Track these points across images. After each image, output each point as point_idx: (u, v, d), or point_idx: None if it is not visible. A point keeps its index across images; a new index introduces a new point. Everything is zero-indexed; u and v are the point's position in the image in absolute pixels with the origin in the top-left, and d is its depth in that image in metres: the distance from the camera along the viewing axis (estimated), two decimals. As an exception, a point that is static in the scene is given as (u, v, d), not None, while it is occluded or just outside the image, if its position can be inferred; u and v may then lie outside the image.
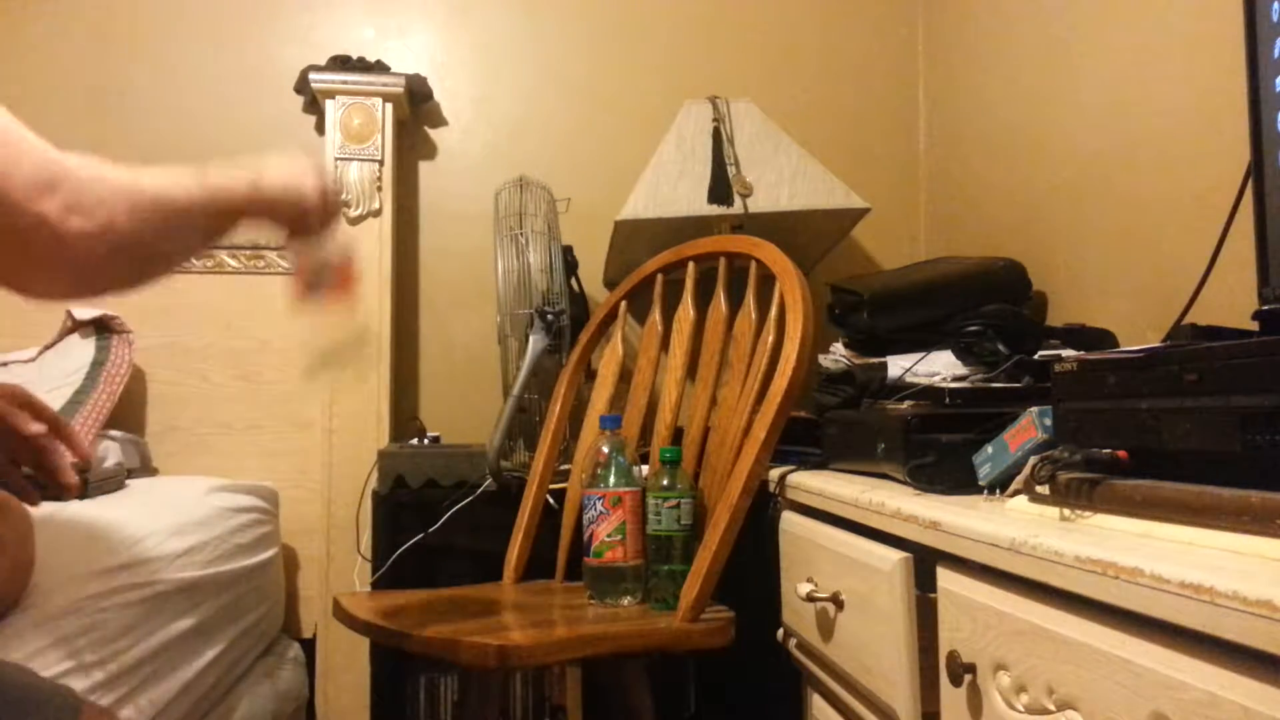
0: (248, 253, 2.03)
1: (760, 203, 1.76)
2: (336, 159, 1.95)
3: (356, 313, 1.10)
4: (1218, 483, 0.68)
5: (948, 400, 1.16)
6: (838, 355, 1.58)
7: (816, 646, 1.22)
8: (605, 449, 1.35)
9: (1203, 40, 1.30)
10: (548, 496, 1.56)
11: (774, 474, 1.45)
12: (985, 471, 1.00)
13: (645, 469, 1.38)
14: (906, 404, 1.21)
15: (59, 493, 0.99)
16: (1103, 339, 1.34)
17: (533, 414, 1.71)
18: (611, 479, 1.33)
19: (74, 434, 1.00)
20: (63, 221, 0.72)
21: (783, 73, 2.22)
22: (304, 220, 1.00)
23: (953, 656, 0.82)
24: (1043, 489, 0.85)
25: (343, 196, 1.04)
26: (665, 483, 1.30)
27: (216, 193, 0.90)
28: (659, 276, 1.56)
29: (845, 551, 1.11)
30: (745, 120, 1.84)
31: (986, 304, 1.37)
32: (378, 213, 1.96)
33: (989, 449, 1.00)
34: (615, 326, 1.60)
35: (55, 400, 1.69)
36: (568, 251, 1.85)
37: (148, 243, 0.80)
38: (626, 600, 1.30)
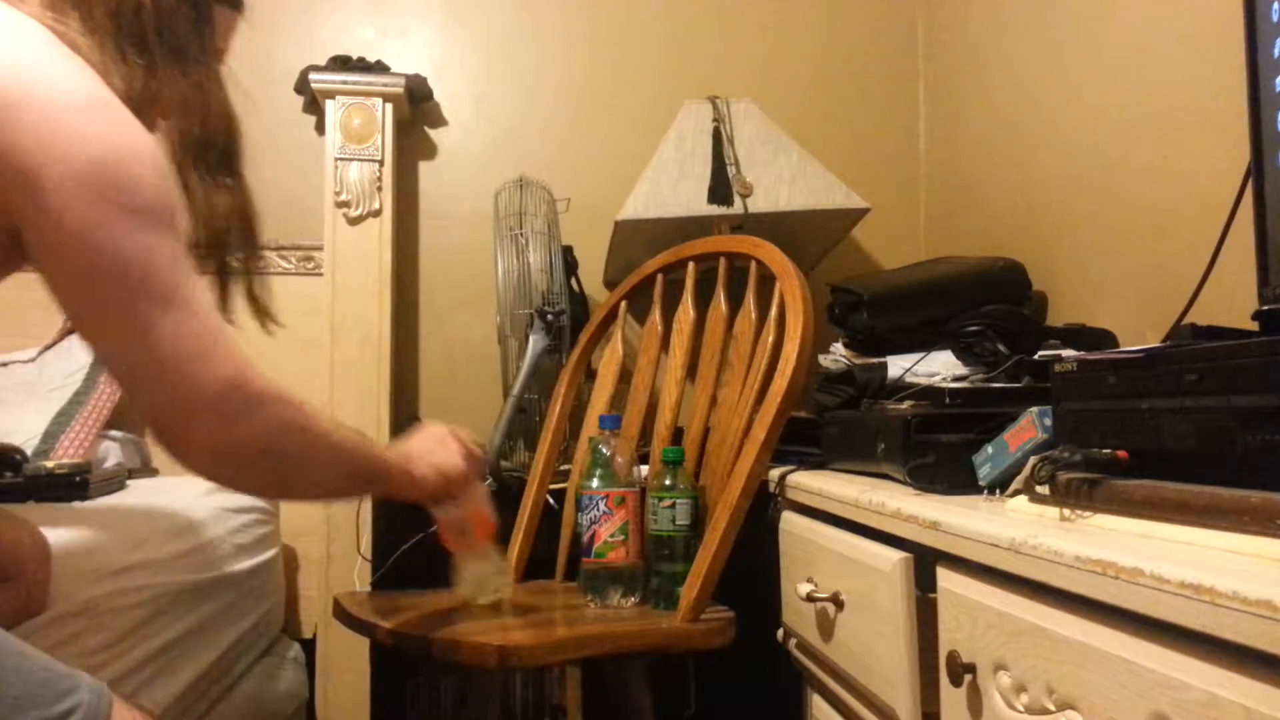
0: (248, 253, 2.02)
1: (760, 203, 1.76)
2: (336, 159, 1.95)
3: (495, 551, 1.25)
4: (1218, 483, 0.68)
5: (948, 400, 1.16)
6: (838, 355, 1.58)
7: (817, 647, 1.22)
8: (605, 449, 1.35)
9: (1203, 40, 1.30)
10: (548, 496, 1.56)
11: (774, 474, 1.45)
12: (985, 471, 1.00)
13: (645, 469, 1.38)
14: (906, 404, 1.21)
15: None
16: (1103, 339, 1.34)
17: (533, 414, 1.71)
18: (611, 479, 1.33)
19: None
20: (236, 419, 0.81)
21: (783, 73, 2.22)
22: (455, 492, 1.12)
23: (953, 656, 0.82)
24: (1043, 489, 0.85)
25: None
26: (666, 483, 1.30)
27: (371, 451, 1.00)
28: (659, 276, 1.56)
29: (845, 551, 1.11)
30: (745, 120, 1.84)
31: (986, 304, 1.38)
32: (378, 213, 1.96)
33: (989, 449, 1.00)
34: (615, 326, 1.60)
35: (55, 400, 1.69)
36: (568, 251, 1.86)
37: (303, 469, 0.91)
38: (627, 600, 1.30)
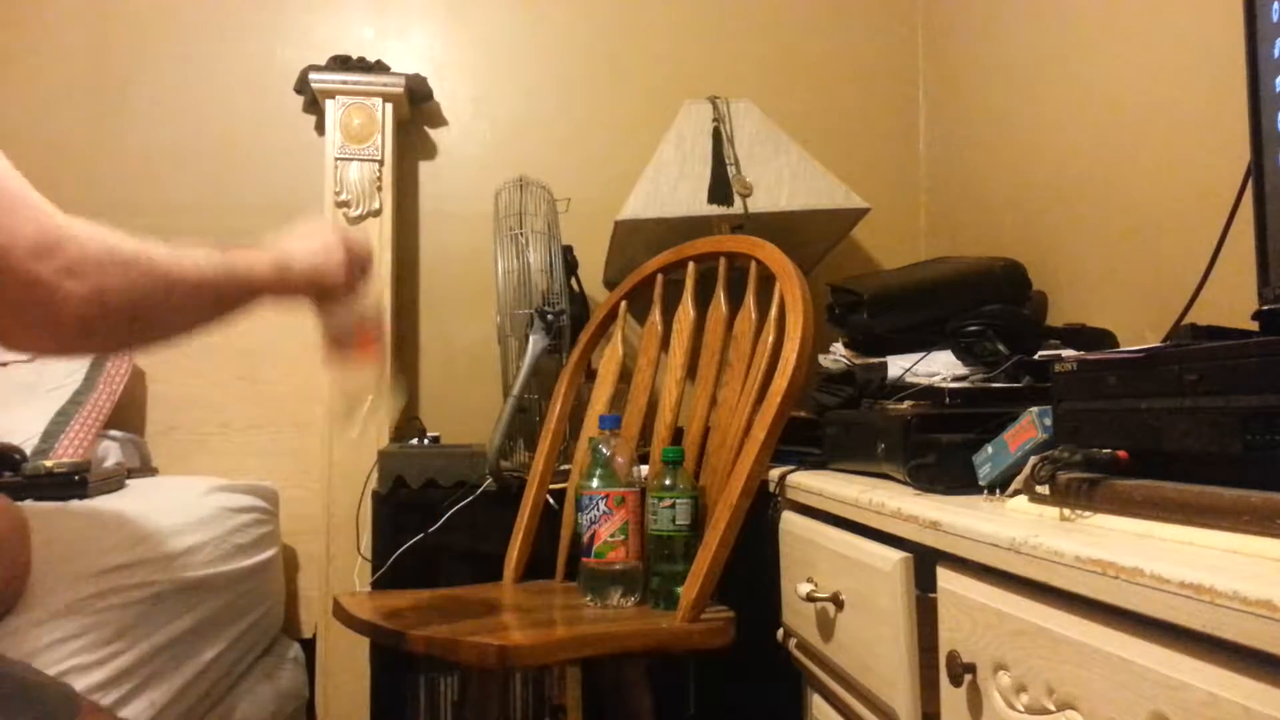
0: (248, 253, 2.02)
1: (760, 203, 1.76)
2: (336, 159, 1.95)
3: (380, 365, 1.15)
4: (1218, 483, 0.68)
5: (948, 400, 1.16)
6: (838, 355, 1.58)
7: (816, 646, 1.22)
8: (605, 449, 1.35)
9: (1202, 40, 1.30)
10: (548, 496, 1.56)
11: (774, 474, 1.45)
12: (985, 471, 1.00)
13: (645, 469, 1.38)
14: (906, 404, 1.21)
15: None
16: (1103, 339, 1.34)
17: (533, 414, 1.71)
18: (611, 479, 1.33)
19: None
20: (58, 284, 0.73)
21: (783, 73, 2.22)
22: (331, 293, 1.03)
23: (953, 656, 0.82)
24: (1043, 489, 0.85)
25: (367, 251, 1.08)
26: (666, 483, 1.30)
27: (234, 271, 0.91)
28: (659, 276, 1.56)
29: (845, 551, 1.11)
30: (745, 120, 1.84)
31: (986, 304, 1.38)
32: (378, 213, 1.96)
33: (989, 449, 1.00)
34: (615, 326, 1.60)
35: (55, 400, 1.69)
36: (568, 251, 1.85)
37: (145, 312, 0.81)
38: (627, 600, 1.30)
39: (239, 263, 0.92)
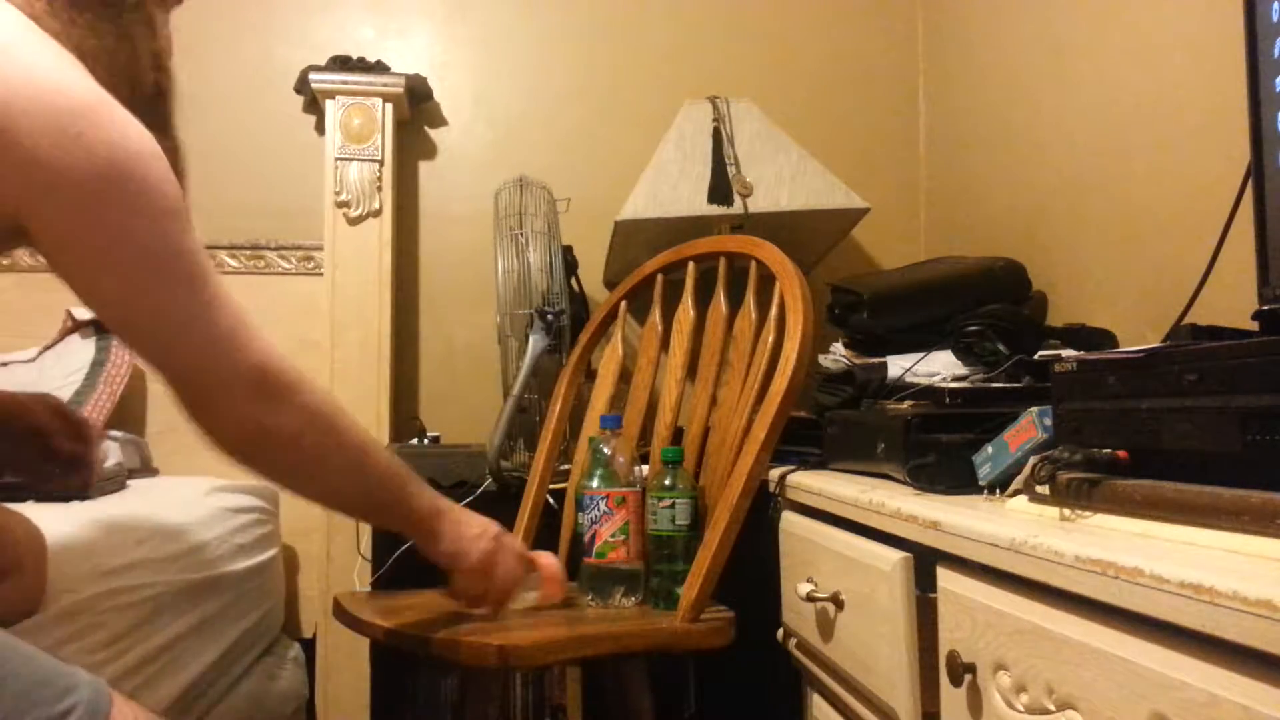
0: (248, 253, 2.03)
1: (760, 203, 1.76)
2: (336, 159, 1.95)
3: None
4: (1218, 483, 0.68)
5: (948, 400, 1.16)
6: (838, 355, 1.58)
7: (816, 646, 1.22)
8: (606, 449, 1.35)
9: (1202, 40, 1.30)
10: (548, 496, 1.56)
11: (774, 474, 1.45)
12: (985, 471, 1.00)
13: (645, 469, 1.38)
14: (906, 404, 1.21)
15: (78, 487, 1.03)
16: (1103, 339, 1.34)
17: (533, 414, 1.71)
18: (612, 479, 1.33)
19: (93, 439, 1.05)
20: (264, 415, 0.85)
21: (783, 73, 2.22)
22: (462, 582, 1.14)
23: (953, 656, 0.82)
24: (1043, 489, 0.85)
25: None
26: (666, 483, 1.30)
27: (399, 487, 1.02)
28: (659, 276, 1.56)
29: (845, 551, 1.11)
30: (745, 120, 1.84)
31: (986, 304, 1.38)
32: (378, 213, 1.96)
33: (989, 449, 1.00)
34: (615, 326, 1.60)
35: (55, 400, 1.69)
36: (568, 251, 1.85)
37: (326, 464, 0.92)
38: (628, 600, 1.30)
39: (409, 482, 1.03)
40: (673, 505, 1.28)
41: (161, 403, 1.96)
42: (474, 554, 1.10)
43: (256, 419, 0.84)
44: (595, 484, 1.33)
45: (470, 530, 1.11)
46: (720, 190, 1.75)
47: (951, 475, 1.05)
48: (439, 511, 1.07)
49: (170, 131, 0.93)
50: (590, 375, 1.65)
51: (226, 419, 0.85)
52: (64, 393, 1.71)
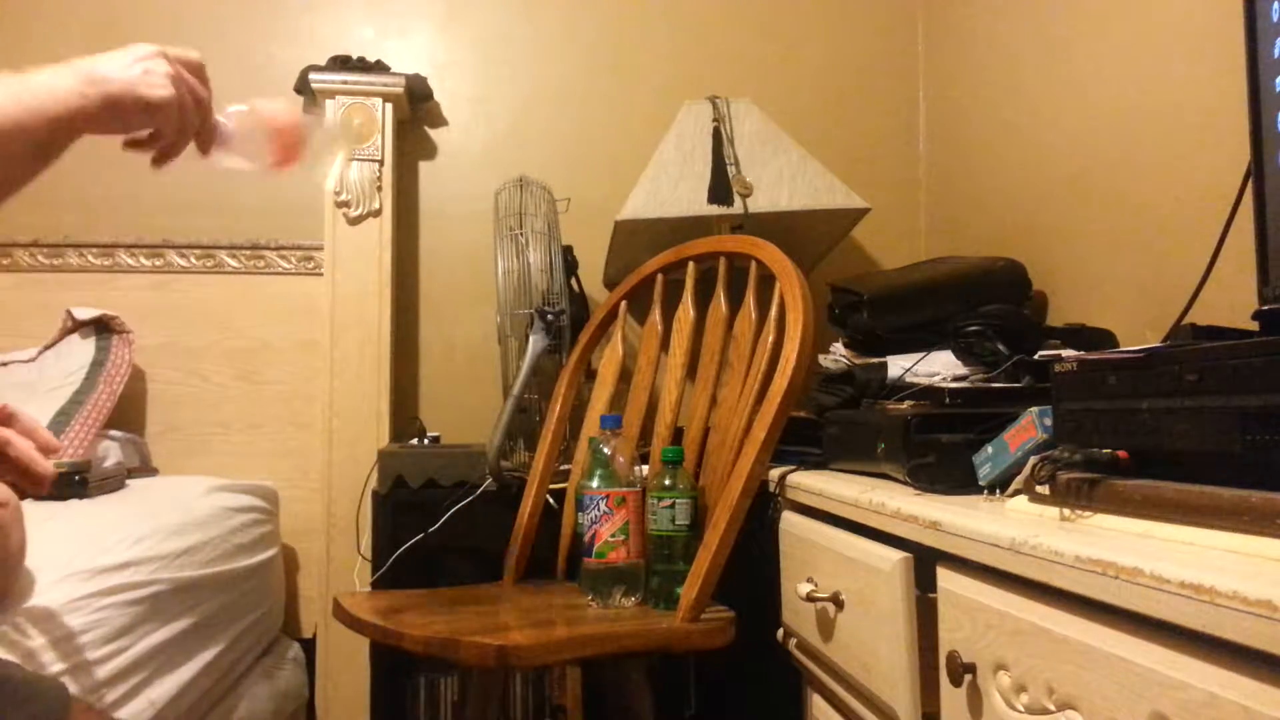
0: (248, 253, 2.03)
1: (760, 203, 1.76)
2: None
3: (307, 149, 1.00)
4: (1218, 483, 0.68)
5: (948, 400, 1.16)
6: (838, 355, 1.58)
7: (816, 646, 1.22)
8: (606, 449, 1.35)
9: (1203, 40, 1.30)
10: (548, 496, 1.56)
11: (774, 474, 1.45)
12: (985, 471, 1.00)
13: (644, 469, 1.38)
14: (906, 404, 1.21)
15: (33, 486, 0.91)
16: (1103, 339, 1.34)
17: (533, 414, 1.71)
18: (612, 479, 1.33)
19: (35, 427, 0.89)
20: None
21: (783, 73, 2.22)
22: (162, 122, 0.88)
23: (953, 656, 0.82)
24: (1043, 489, 0.85)
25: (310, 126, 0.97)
26: (666, 483, 1.30)
27: (36, 108, 0.78)
28: (659, 276, 1.56)
29: (845, 551, 1.11)
30: (745, 120, 1.84)
31: (986, 304, 1.38)
32: (378, 213, 1.96)
33: (989, 449, 1.00)
34: (615, 326, 1.60)
35: (55, 400, 1.69)
36: (568, 251, 1.85)
37: None
38: (628, 600, 1.30)
39: (35, 87, 0.79)
40: (673, 505, 1.28)
41: (161, 403, 1.96)
42: (159, 94, 0.86)
43: None
44: (595, 484, 1.33)
45: (112, 59, 0.85)
46: (720, 190, 1.75)
47: (951, 475, 1.05)
48: (89, 74, 0.83)
49: None
50: (590, 375, 1.65)
51: None
52: (64, 392, 1.71)
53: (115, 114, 0.84)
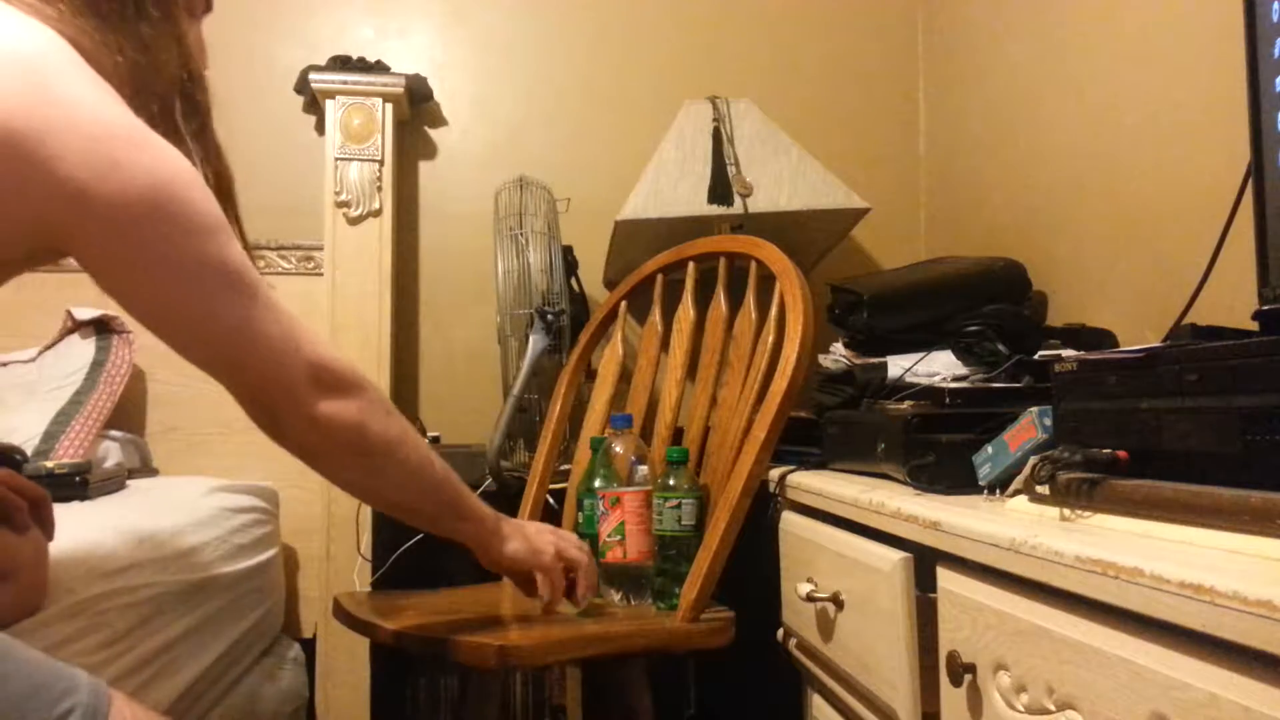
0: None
1: (760, 203, 1.76)
2: (336, 159, 1.95)
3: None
4: (1218, 483, 0.68)
5: (948, 400, 1.16)
6: (838, 355, 1.58)
7: (816, 646, 1.22)
8: (618, 448, 1.35)
9: (1202, 40, 1.30)
10: (548, 496, 1.56)
11: (774, 474, 1.45)
12: (985, 471, 1.00)
13: (643, 469, 1.38)
14: (906, 404, 1.21)
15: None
16: (1103, 339, 1.34)
17: (533, 414, 1.71)
18: (620, 479, 1.33)
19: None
20: (324, 402, 0.88)
21: (783, 73, 2.22)
22: (526, 584, 1.14)
23: (953, 656, 0.82)
24: (1043, 489, 0.85)
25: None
26: (671, 483, 1.30)
27: (460, 490, 1.04)
28: (659, 276, 1.56)
29: (845, 551, 1.11)
30: (745, 120, 1.84)
31: (986, 304, 1.38)
32: (378, 213, 1.96)
33: (989, 449, 1.00)
34: (615, 326, 1.60)
35: (55, 400, 1.69)
36: (568, 251, 1.86)
37: (387, 461, 0.95)
38: (634, 600, 1.29)
39: (470, 494, 1.06)
40: (679, 505, 1.28)
41: (161, 403, 1.96)
42: (547, 548, 1.12)
43: (318, 414, 0.88)
44: (603, 484, 1.33)
45: (531, 527, 1.14)
46: (720, 190, 1.75)
47: (951, 475, 1.05)
48: (498, 514, 1.10)
49: (207, 141, 0.98)
50: (590, 375, 1.65)
51: (292, 418, 0.88)
52: (64, 393, 1.71)
53: (492, 557, 1.10)
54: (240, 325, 0.83)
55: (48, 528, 1.02)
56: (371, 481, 0.98)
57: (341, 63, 1.99)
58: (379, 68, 2.01)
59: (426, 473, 0.99)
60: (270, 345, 0.85)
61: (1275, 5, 0.81)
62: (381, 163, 1.96)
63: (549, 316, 1.68)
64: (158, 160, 0.78)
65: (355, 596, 1.38)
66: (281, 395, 0.87)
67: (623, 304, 1.60)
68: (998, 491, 0.98)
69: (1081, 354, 0.90)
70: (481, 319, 2.07)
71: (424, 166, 2.16)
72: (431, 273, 2.14)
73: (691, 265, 1.51)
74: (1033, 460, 0.85)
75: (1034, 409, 0.94)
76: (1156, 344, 0.82)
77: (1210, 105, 1.29)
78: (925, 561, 0.93)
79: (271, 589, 1.76)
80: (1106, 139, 1.52)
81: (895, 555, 0.97)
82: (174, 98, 0.95)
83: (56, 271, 1.99)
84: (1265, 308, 0.80)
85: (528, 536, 1.11)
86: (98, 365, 1.78)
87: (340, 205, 1.95)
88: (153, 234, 0.77)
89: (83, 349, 1.81)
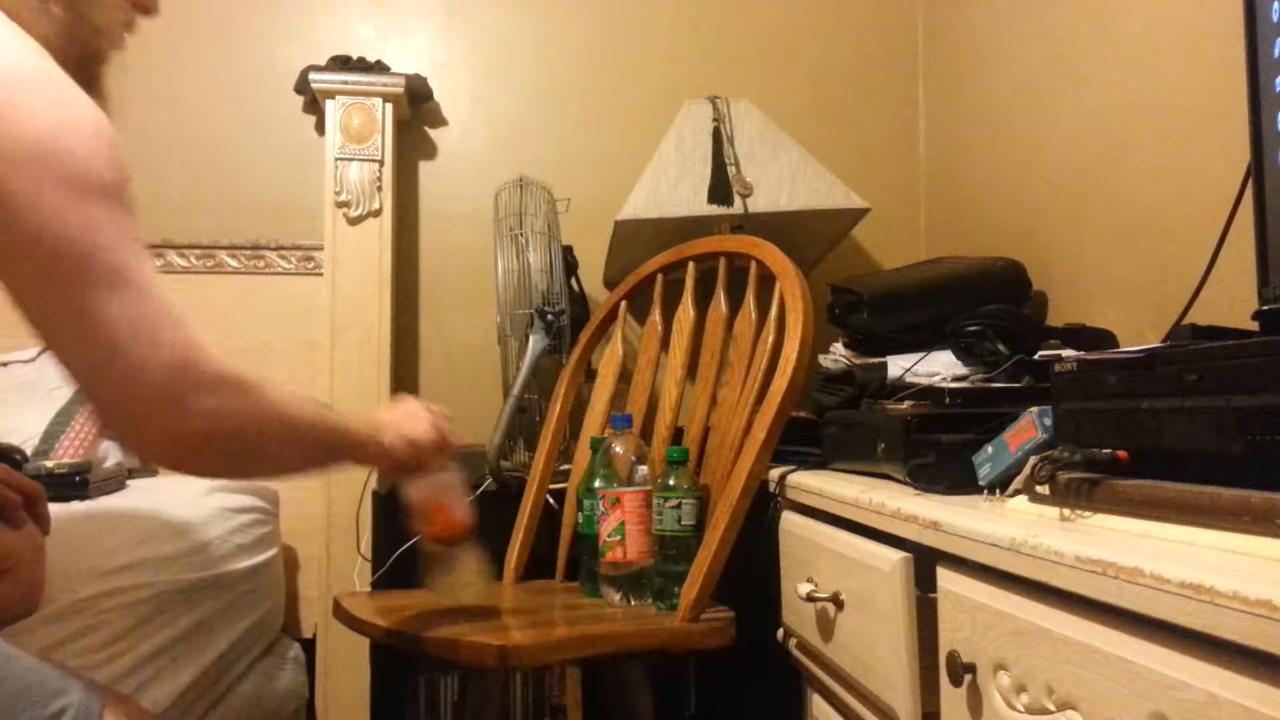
0: (248, 253, 2.03)
1: (760, 203, 1.76)
2: (336, 159, 1.95)
3: (468, 551, 1.19)
4: (1218, 483, 0.68)
5: (948, 400, 1.16)
6: (838, 355, 1.58)
7: (816, 646, 1.22)
8: (619, 448, 1.35)
9: (1203, 40, 1.30)
10: (548, 496, 1.56)
11: (774, 474, 1.45)
12: (985, 471, 1.00)
13: (644, 469, 1.38)
14: (906, 404, 1.21)
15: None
16: (1103, 339, 1.34)
17: (533, 414, 1.71)
18: (620, 479, 1.33)
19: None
20: (186, 399, 0.76)
21: (783, 73, 2.22)
22: (418, 467, 1.12)
23: (953, 656, 0.82)
24: (1043, 489, 0.85)
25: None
26: (671, 483, 1.30)
27: (339, 427, 0.99)
28: (659, 276, 1.56)
29: (845, 551, 1.11)
30: (745, 120, 1.84)
31: (986, 304, 1.38)
32: (378, 213, 1.96)
33: (989, 449, 1.00)
34: (615, 326, 1.60)
35: (56, 400, 1.69)
36: (568, 251, 1.85)
37: (257, 442, 0.86)
38: (634, 601, 1.29)
39: (343, 421, 1.01)
40: (679, 505, 1.28)
41: (161, 403, 1.96)
42: (423, 433, 1.10)
43: (169, 424, 0.76)
44: (603, 484, 1.33)
45: (402, 419, 1.10)
46: (720, 190, 1.75)
47: (951, 475, 1.05)
48: (377, 428, 1.06)
49: (100, 91, 0.89)
50: (590, 375, 1.65)
51: (140, 429, 0.77)
52: (64, 393, 1.71)
53: (386, 460, 1.08)
54: (84, 310, 0.72)
55: (43, 523, 1.01)
56: (244, 473, 0.93)
57: (341, 62, 1.99)
58: (379, 68, 2.01)
59: (301, 446, 0.92)
60: (118, 339, 0.73)
61: (1275, 5, 0.81)
62: (381, 163, 1.96)
63: (549, 316, 1.68)
64: (58, 103, 0.73)
65: (355, 596, 1.38)
66: (130, 408, 0.75)
67: (623, 304, 1.60)
68: (998, 491, 0.98)
69: (1081, 354, 0.90)
70: (481, 319, 2.07)
71: (424, 166, 2.16)
72: (431, 273, 2.14)
73: (691, 265, 1.51)
74: (1033, 460, 0.85)
75: (1034, 409, 0.94)
76: (1156, 344, 0.82)
77: (1210, 105, 1.29)
78: (925, 561, 0.93)
79: (271, 589, 1.76)
80: (1107, 139, 1.52)
81: (895, 555, 0.97)
82: (98, 50, 0.90)
83: (56, 271, 2.00)
84: (1265, 308, 0.80)
85: (399, 431, 1.08)
86: (98, 365, 1.78)
87: (340, 205, 1.95)
88: (32, 183, 0.70)
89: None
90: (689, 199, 1.77)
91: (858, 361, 1.51)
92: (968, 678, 0.80)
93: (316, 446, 0.96)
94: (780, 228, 1.76)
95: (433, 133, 2.17)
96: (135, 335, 0.73)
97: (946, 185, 2.13)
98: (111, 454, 1.71)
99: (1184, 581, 0.56)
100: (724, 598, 1.24)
